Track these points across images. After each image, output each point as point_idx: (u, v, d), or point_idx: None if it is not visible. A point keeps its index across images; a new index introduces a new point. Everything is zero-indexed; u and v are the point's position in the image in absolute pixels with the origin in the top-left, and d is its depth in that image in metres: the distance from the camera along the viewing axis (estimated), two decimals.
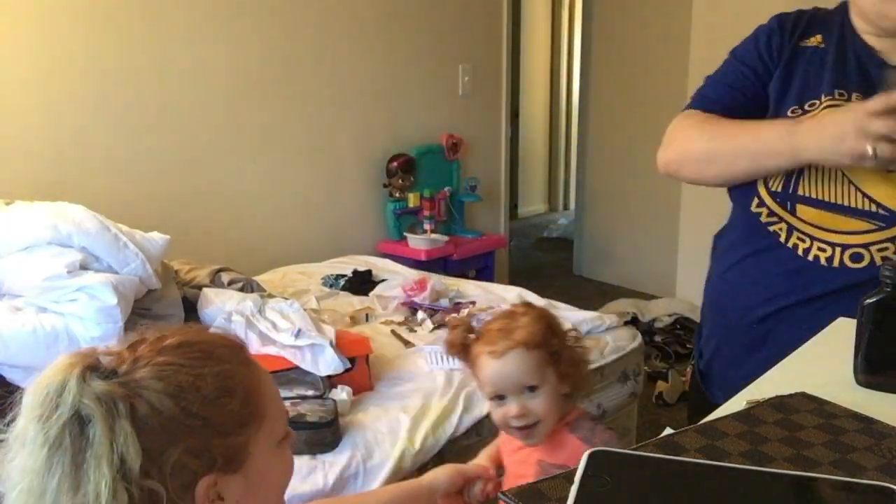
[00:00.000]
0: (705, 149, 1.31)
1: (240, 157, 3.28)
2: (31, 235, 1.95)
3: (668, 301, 4.08)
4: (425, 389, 1.98)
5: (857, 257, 1.17)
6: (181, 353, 0.78)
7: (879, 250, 1.16)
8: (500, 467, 1.34)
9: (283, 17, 3.32)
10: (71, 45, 2.77)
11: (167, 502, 0.73)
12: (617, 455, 0.63)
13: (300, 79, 3.41)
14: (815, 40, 1.29)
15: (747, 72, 1.32)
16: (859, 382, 0.90)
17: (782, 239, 1.23)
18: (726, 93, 1.33)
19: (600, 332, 2.37)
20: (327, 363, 1.90)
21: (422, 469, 1.70)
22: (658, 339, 3.73)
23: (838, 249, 1.18)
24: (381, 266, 3.10)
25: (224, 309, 2.06)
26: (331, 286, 2.82)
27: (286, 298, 2.26)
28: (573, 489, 0.57)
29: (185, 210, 3.07)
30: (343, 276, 2.89)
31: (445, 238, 3.71)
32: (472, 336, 1.27)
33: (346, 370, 1.93)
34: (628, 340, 2.40)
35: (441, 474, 1.24)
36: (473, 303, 2.52)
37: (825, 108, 1.21)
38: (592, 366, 2.22)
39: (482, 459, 1.36)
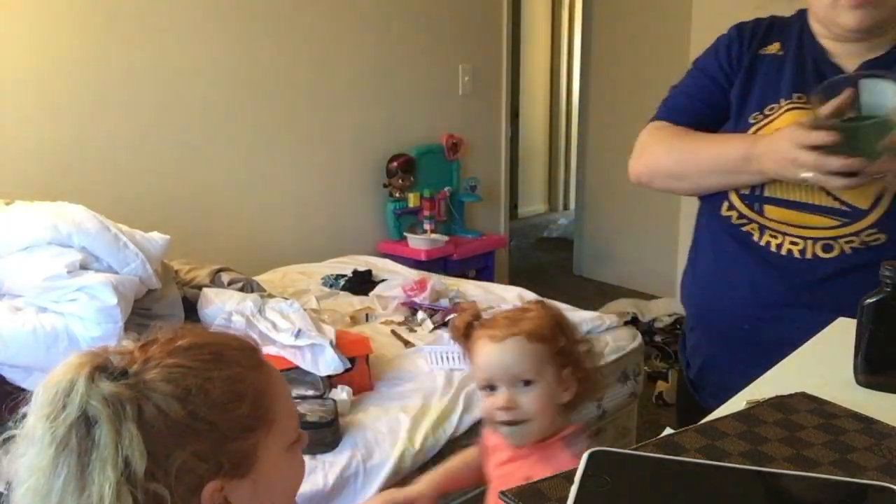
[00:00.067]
0: (673, 167, 1.36)
1: (240, 157, 3.28)
2: (31, 235, 1.95)
3: (668, 301, 4.08)
4: (425, 389, 1.98)
5: (827, 248, 1.21)
6: (191, 356, 0.78)
7: (847, 242, 1.20)
8: (447, 494, 1.28)
9: (283, 17, 3.32)
10: (71, 45, 2.77)
11: None
12: (617, 455, 0.63)
13: (300, 79, 3.41)
14: (774, 48, 1.32)
15: (708, 82, 1.36)
16: (859, 382, 0.90)
17: (755, 238, 1.27)
18: (690, 103, 1.38)
19: (600, 332, 2.37)
20: (327, 363, 1.90)
21: (422, 469, 1.70)
22: (658, 339, 3.73)
23: (809, 242, 1.22)
24: (381, 266, 3.10)
25: (224, 309, 2.06)
26: (331, 286, 2.82)
27: (286, 298, 2.26)
28: (573, 489, 0.57)
29: (185, 210, 3.07)
30: (343, 276, 2.89)
31: (445, 238, 3.71)
32: (477, 322, 1.23)
33: (346, 370, 1.93)
34: (628, 340, 2.40)
35: (372, 502, 1.23)
36: (473, 303, 2.52)
37: (786, 111, 1.26)
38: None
39: (422, 485, 1.29)
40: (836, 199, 1.20)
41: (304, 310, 2.11)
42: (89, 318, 1.83)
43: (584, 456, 0.61)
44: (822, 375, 0.91)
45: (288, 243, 3.42)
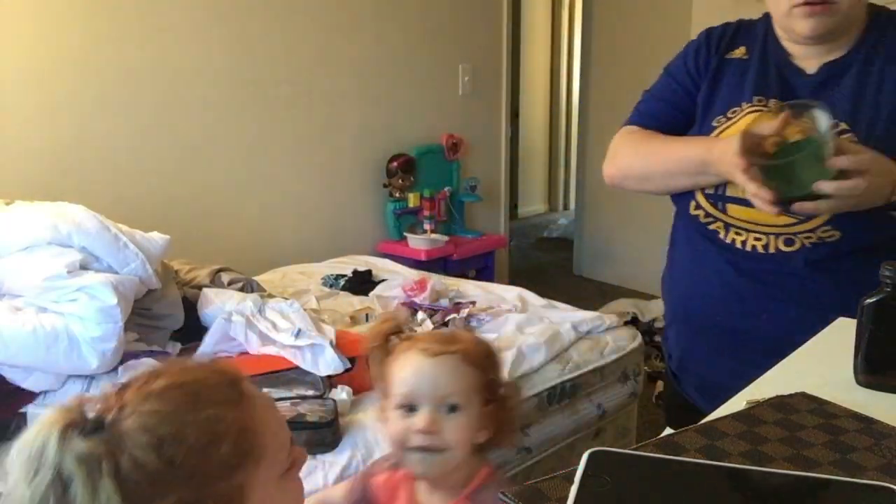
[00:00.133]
0: (641, 169, 1.43)
1: (240, 157, 3.28)
2: (31, 235, 1.95)
3: None
4: None
5: (789, 242, 1.26)
6: (167, 400, 0.75)
7: (805, 238, 1.25)
8: None
9: (283, 17, 3.32)
10: (71, 45, 2.77)
11: None
12: (617, 455, 0.63)
13: (300, 79, 3.41)
14: (740, 52, 1.37)
15: (677, 87, 1.42)
16: (859, 382, 0.90)
17: (721, 236, 1.32)
18: (660, 108, 1.44)
19: (600, 332, 2.37)
20: (327, 363, 1.90)
21: None
22: (658, 339, 3.73)
23: (772, 237, 1.27)
24: (381, 266, 3.09)
25: (224, 309, 2.06)
26: (331, 286, 2.82)
27: (286, 298, 2.25)
28: (573, 489, 0.57)
29: (185, 210, 3.07)
30: (343, 276, 2.89)
31: (445, 238, 3.71)
32: (398, 336, 1.11)
33: (346, 370, 1.92)
34: (628, 340, 2.40)
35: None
36: (473, 303, 2.52)
37: (746, 113, 1.30)
38: (592, 366, 2.23)
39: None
40: None
41: (304, 310, 2.11)
42: (89, 318, 1.83)
43: (585, 456, 0.61)
44: (822, 375, 0.91)
45: (288, 243, 3.42)
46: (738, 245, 1.30)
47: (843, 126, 1.22)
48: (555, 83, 6.75)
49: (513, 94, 4.71)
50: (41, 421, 0.73)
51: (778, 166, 1.13)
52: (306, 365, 1.90)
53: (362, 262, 3.12)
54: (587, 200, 4.99)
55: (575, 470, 0.59)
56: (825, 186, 1.09)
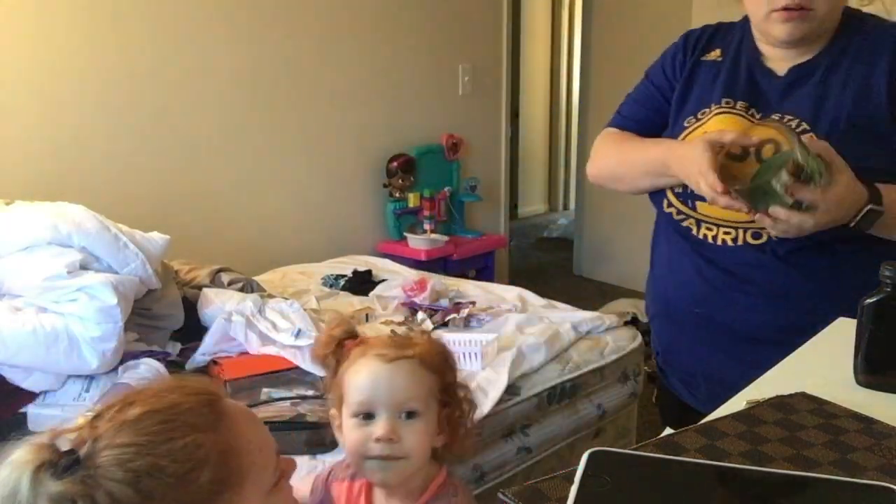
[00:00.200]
0: (613, 170, 1.51)
1: (240, 157, 3.28)
2: (31, 235, 1.95)
3: None
4: None
5: (756, 235, 1.30)
6: (142, 430, 0.72)
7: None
8: None
9: (283, 18, 3.32)
10: (71, 45, 2.77)
11: None
12: (617, 455, 0.63)
13: (300, 79, 3.41)
14: (715, 54, 1.41)
15: (654, 90, 1.47)
16: (859, 382, 0.90)
17: (694, 231, 1.37)
18: (638, 110, 1.50)
19: (600, 332, 2.36)
20: None
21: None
22: None
23: (741, 231, 1.31)
24: (381, 266, 3.09)
25: (224, 309, 2.06)
26: (331, 286, 2.82)
27: (286, 298, 2.25)
28: (573, 489, 0.57)
29: (185, 210, 3.07)
30: (343, 276, 2.89)
31: (445, 238, 3.71)
32: (352, 341, 1.08)
33: None
34: (628, 340, 2.40)
35: None
36: (473, 303, 2.52)
37: (714, 115, 1.34)
38: (592, 366, 2.23)
39: None
40: None
41: (304, 310, 2.11)
42: (89, 318, 1.83)
43: (584, 456, 0.61)
44: (822, 375, 0.91)
45: (288, 243, 3.42)
46: (710, 240, 1.34)
47: (805, 126, 1.26)
48: (555, 83, 6.75)
49: (513, 94, 4.71)
50: (13, 461, 0.70)
51: (748, 189, 1.17)
52: (306, 365, 1.90)
53: (362, 262, 3.12)
54: (587, 200, 4.99)
55: (575, 470, 0.59)
56: (778, 213, 1.14)
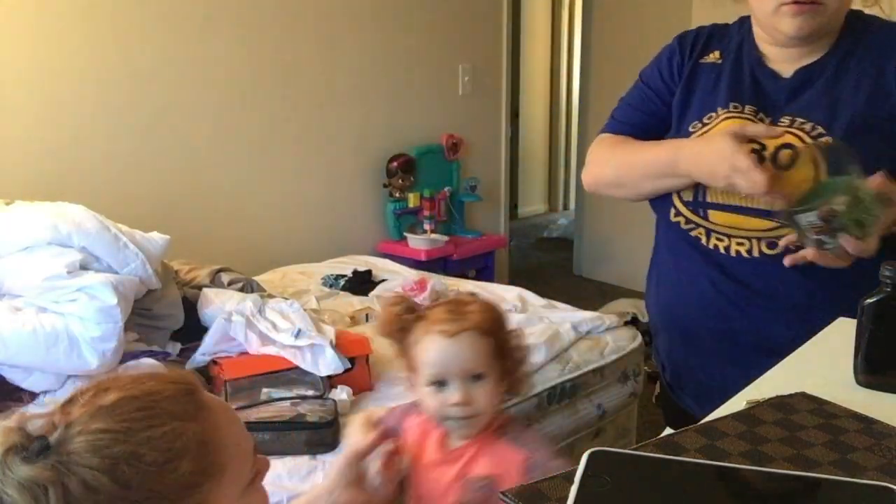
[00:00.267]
0: (613, 176, 1.44)
1: (240, 158, 3.28)
2: (31, 235, 1.95)
3: None
4: None
5: (772, 245, 1.24)
6: (119, 416, 0.69)
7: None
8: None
9: (283, 17, 3.32)
10: (71, 45, 2.77)
11: None
12: (617, 455, 0.63)
13: (300, 79, 3.41)
14: (714, 56, 1.37)
15: (650, 93, 1.42)
16: (859, 382, 0.90)
17: (704, 242, 1.31)
18: (634, 115, 1.44)
19: (600, 332, 2.36)
20: (327, 363, 1.90)
21: None
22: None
23: (754, 241, 1.26)
24: (381, 266, 3.09)
25: (224, 309, 2.06)
26: (331, 286, 2.82)
27: (286, 298, 2.25)
28: (573, 489, 0.57)
29: (185, 210, 3.07)
30: (343, 276, 2.89)
31: (445, 238, 3.71)
32: (411, 316, 1.19)
33: (346, 370, 1.92)
34: (628, 340, 2.40)
35: (332, 468, 1.13)
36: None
37: (722, 119, 1.30)
38: (592, 366, 2.23)
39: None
40: None
41: (304, 310, 2.11)
42: (89, 318, 1.83)
43: (584, 456, 0.61)
44: (822, 375, 0.91)
45: (288, 243, 3.42)
46: (722, 250, 1.29)
47: (820, 129, 1.22)
48: (555, 83, 6.75)
49: (513, 94, 4.71)
50: None
51: (798, 210, 1.11)
52: (306, 365, 1.90)
53: (362, 262, 3.12)
54: (587, 200, 4.99)
55: (575, 470, 0.59)
56: (849, 245, 1.08)
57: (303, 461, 1.66)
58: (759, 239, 1.26)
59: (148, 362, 1.86)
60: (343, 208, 3.67)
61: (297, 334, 1.94)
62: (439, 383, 1.16)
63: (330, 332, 1.99)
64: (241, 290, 2.29)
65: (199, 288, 2.25)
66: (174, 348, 2.06)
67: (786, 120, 1.25)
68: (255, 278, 2.47)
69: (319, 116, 3.50)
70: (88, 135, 2.85)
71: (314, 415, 1.72)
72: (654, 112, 1.42)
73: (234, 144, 3.25)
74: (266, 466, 0.82)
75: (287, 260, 3.20)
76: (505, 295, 2.66)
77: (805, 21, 1.22)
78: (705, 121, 1.32)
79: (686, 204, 1.32)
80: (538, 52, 6.62)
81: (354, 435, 1.14)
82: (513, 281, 4.16)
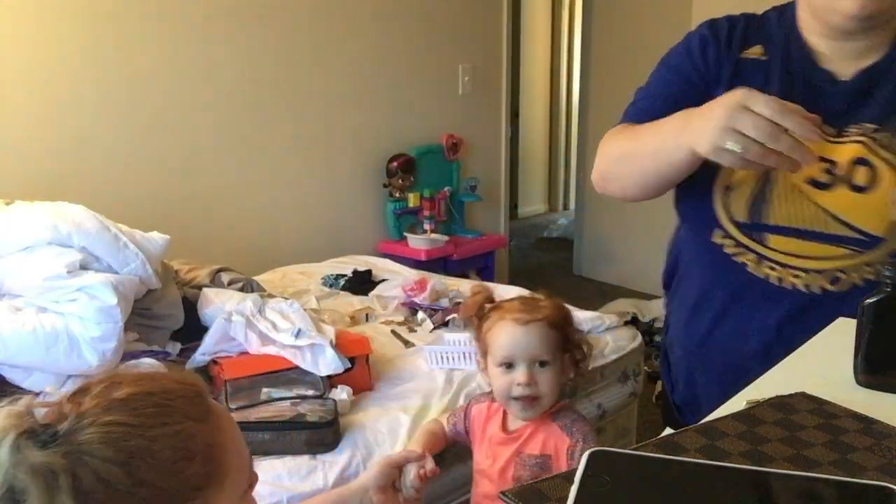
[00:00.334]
0: (617, 154, 1.20)
1: (240, 158, 3.28)
2: (31, 235, 1.95)
3: None
4: (425, 389, 1.98)
5: (834, 280, 1.11)
6: (133, 410, 0.69)
7: (856, 272, 1.09)
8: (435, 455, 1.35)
9: (283, 18, 3.32)
10: (71, 45, 2.77)
11: None
12: (617, 455, 0.63)
13: (300, 79, 3.41)
14: (756, 52, 1.19)
15: (681, 83, 1.23)
16: (859, 382, 0.90)
17: (751, 269, 1.15)
18: (659, 104, 1.21)
19: (600, 332, 2.36)
20: (327, 363, 1.90)
21: None
22: (658, 339, 3.73)
23: (813, 274, 1.11)
24: (381, 266, 3.10)
25: (224, 309, 2.06)
26: (331, 286, 2.82)
27: (286, 298, 2.25)
28: (573, 489, 0.57)
29: (185, 210, 3.07)
30: (343, 276, 2.89)
31: (445, 238, 3.71)
32: (490, 305, 1.37)
33: (346, 370, 1.92)
34: (628, 340, 2.40)
35: (370, 470, 1.20)
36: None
37: None
38: (592, 365, 2.23)
39: (414, 445, 1.40)
40: (848, 226, 1.09)
41: (304, 310, 2.11)
42: (89, 318, 1.83)
43: (585, 456, 0.61)
44: (822, 375, 0.91)
45: (288, 243, 3.42)
46: (773, 280, 1.13)
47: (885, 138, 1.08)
48: (555, 83, 6.75)
49: (513, 94, 4.71)
50: None
51: None
52: (306, 365, 1.90)
53: (362, 262, 3.12)
54: (587, 200, 4.99)
55: (575, 470, 0.59)
56: None
57: (303, 461, 1.66)
58: (819, 272, 1.11)
59: (148, 362, 1.86)
60: (343, 208, 3.67)
61: (297, 334, 1.94)
62: (508, 365, 1.31)
63: (330, 331, 1.99)
64: (241, 290, 2.29)
65: (199, 288, 2.25)
66: (174, 348, 2.06)
67: (853, 130, 1.08)
68: (255, 278, 2.47)
69: (319, 116, 3.50)
70: (88, 135, 2.85)
71: (314, 415, 1.72)
72: (682, 101, 1.18)
73: (234, 144, 3.25)
74: (256, 479, 0.82)
75: (287, 260, 3.20)
76: (505, 295, 2.66)
77: None
78: None
79: (739, 225, 1.15)
80: (538, 52, 6.62)
81: (413, 445, 1.39)
82: (513, 281, 4.16)
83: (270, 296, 2.27)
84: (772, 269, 1.14)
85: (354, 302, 2.65)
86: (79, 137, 2.82)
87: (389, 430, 1.81)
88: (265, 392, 1.81)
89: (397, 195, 3.75)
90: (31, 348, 1.78)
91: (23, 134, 2.70)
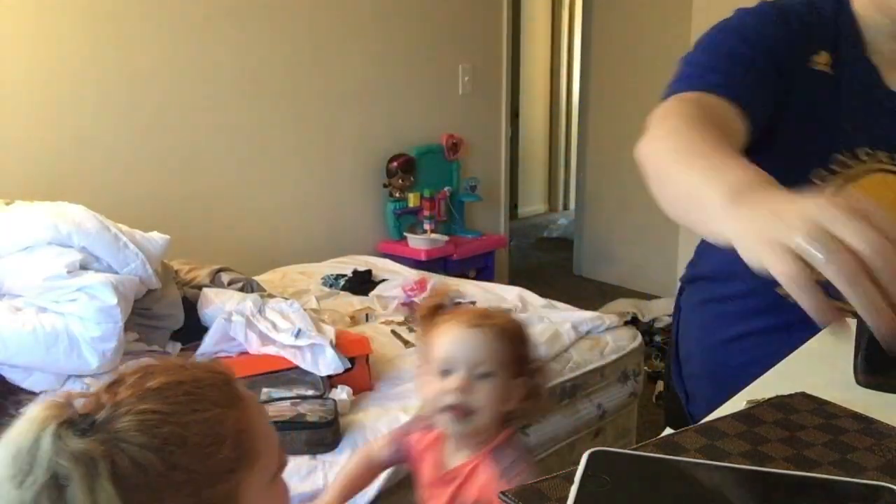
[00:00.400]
0: (657, 161, 0.85)
1: (240, 158, 3.28)
2: (31, 235, 1.95)
3: (668, 301, 4.06)
4: None
5: None
6: (166, 399, 0.72)
7: None
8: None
9: (283, 18, 3.32)
10: (71, 45, 2.77)
11: None
12: (617, 455, 0.63)
13: (300, 79, 3.41)
14: (822, 61, 0.97)
15: (757, 56, 0.95)
16: (859, 382, 0.90)
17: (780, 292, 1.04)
18: (739, 71, 0.91)
19: (600, 332, 2.37)
20: (327, 363, 1.90)
21: None
22: (658, 339, 3.73)
23: None
24: (381, 266, 3.10)
25: (224, 309, 2.06)
26: (331, 286, 2.82)
27: (286, 298, 2.25)
28: (573, 489, 0.57)
29: (185, 210, 3.07)
30: (343, 276, 2.89)
31: (445, 238, 3.71)
32: (443, 309, 1.21)
33: (346, 370, 1.93)
34: (628, 340, 2.40)
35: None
36: (473, 303, 2.52)
37: (874, 171, 0.94)
38: (592, 366, 2.23)
39: (331, 495, 1.28)
40: None
41: (304, 310, 2.11)
42: (89, 318, 1.83)
43: (585, 456, 0.60)
44: (822, 375, 0.91)
45: (288, 243, 3.42)
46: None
47: None
48: (555, 83, 6.75)
49: (513, 94, 4.71)
50: (31, 417, 0.69)
51: None
52: (306, 365, 1.90)
53: (362, 262, 3.12)
54: (587, 200, 4.99)
55: (575, 470, 0.59)
56: None
57: (303, 461, 1.66)
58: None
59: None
60: (343, 208, 3.67)
61: (297, 334, 1.94)
62: (445, 371, 1.14)
63: (330, 331, 1.99)
64: (241, 290, 2.29)
65: (199, 288, 2.25)
66: (174, 348, 2.06)
67: None
68: (255, 278, 2.47)
69: (320, 116, 3.50)
70: (88, 135, 2.85)
71: (314, 415, 1.72)
72: (764, 81, 0.92)
73: (234, 144, 3.25)
74: (286, 461, 0.85)
75: (287, 260, 3.20)
76: (505, 295, 2.67)
77: None
78: (833, 167, 0.95)
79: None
80: (538, 52, 6.62)
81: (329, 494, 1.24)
82: (513, 281, 4.16)
83: (270, 296, 2.27)
84: None
85: (354, 302, 2.66)
86: (79, 137, 2.82)
87: (389, 430, 1.80)
88: (265, 392, 1.81)
89: (397, 195, 3.75)
90: (31, 348, 1.78)
91: (23, 134, 2.70)
